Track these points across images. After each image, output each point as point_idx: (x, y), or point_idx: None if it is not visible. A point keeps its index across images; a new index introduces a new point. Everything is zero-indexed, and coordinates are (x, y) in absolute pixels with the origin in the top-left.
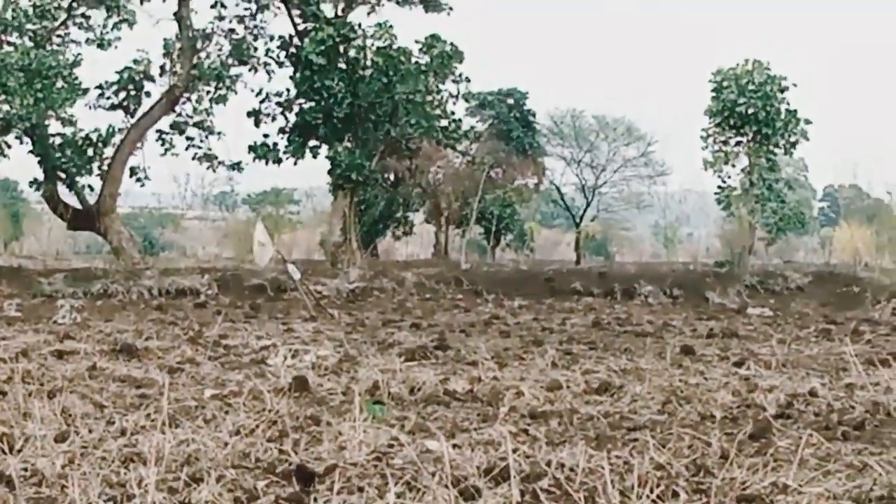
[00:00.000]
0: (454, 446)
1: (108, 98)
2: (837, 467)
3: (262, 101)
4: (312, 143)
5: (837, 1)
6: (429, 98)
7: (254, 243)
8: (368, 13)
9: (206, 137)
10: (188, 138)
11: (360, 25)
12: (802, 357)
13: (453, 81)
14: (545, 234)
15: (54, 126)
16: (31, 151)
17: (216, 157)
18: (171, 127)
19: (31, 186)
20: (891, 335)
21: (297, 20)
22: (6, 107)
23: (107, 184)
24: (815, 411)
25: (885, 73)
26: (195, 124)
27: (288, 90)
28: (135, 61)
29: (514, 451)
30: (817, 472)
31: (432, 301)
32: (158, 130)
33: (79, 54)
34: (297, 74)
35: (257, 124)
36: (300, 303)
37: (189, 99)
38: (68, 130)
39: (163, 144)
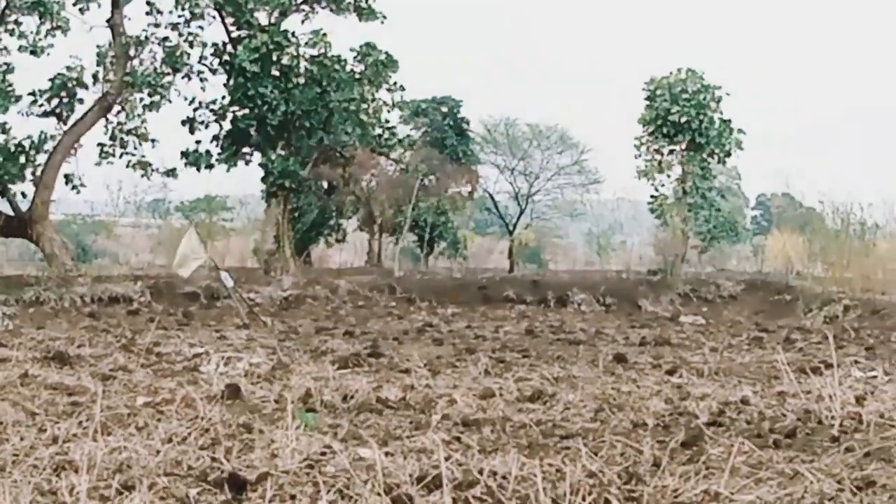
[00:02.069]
0: (387, 454)
1: (41, 105)
2: (769, 475)
3: (195, 109)
4: (246, 150)
5: (771, 11)
6: (363, 106)
7: (179, 252)
8: (302, 21)
9: (140, 144)
10: (122, 145)
11: (293, 33)
12: (734, 365)
13: (388, 89)
14: (479, 241)
15: None
16: None
17: (150, 165)
18: (110, 138)
19: None
20: (822, 343)
21: (231, 28)
22: None
23: (39, 191)
24: (747, 419)
25: (817, 83)
26: (129, 131)
27: (222, 97)
28: (68, 68)
29: (447, 458)
30: (749, 479)
31: (365, 309)
32: (100, 144)
33: (10, 63)
34: (231, 82)
35: (191, 131)
36: (233, 310)
37: (123, 106)
38: (0, 137)
39: (102, 155)
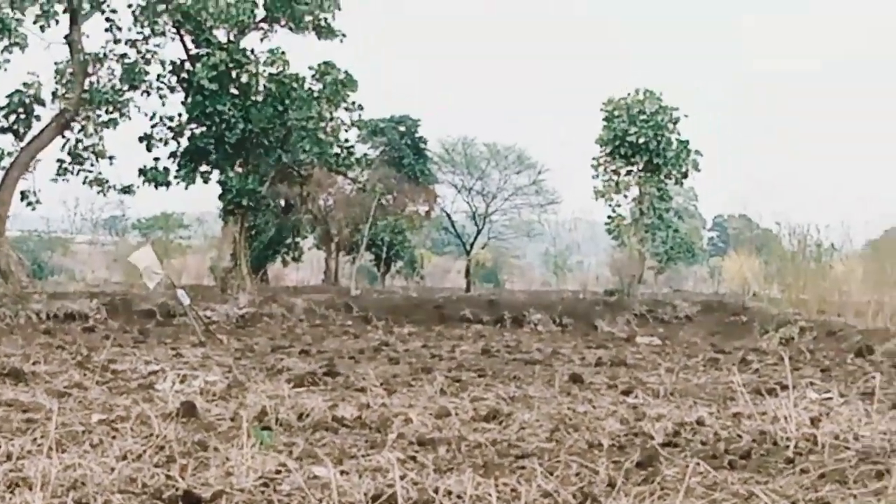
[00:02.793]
0: (342, 473)
1: None
2: (724, 496)
3: (153, 126)
4: (204, 167)
5: (727, 34)
6: (321, 125)
7: (139, 267)
8: (261, 39)
9: (97, 161)
10: (79, 162)
11: (252, 51)
12: (690, 386)
13: (346, 108)
14: (436, 261)
15: None
16: None
17: (107, 182)
18: (68, 154)
19: None
20: (778, 365)
21: (190, 45)
22: None
23: None
24: (703, 440)
25: (775, 105)
26: (86, 148)
27: (179, 115)
28: (25, 84)
29: (402, 477)
30: (704, 500)
31: (322, 327)
32: (59, 160)
33: None
34: (189, 99)
35: (149, 149)
36: (189, 328)
37: (80, 123)
38: None
39: (59, 172)
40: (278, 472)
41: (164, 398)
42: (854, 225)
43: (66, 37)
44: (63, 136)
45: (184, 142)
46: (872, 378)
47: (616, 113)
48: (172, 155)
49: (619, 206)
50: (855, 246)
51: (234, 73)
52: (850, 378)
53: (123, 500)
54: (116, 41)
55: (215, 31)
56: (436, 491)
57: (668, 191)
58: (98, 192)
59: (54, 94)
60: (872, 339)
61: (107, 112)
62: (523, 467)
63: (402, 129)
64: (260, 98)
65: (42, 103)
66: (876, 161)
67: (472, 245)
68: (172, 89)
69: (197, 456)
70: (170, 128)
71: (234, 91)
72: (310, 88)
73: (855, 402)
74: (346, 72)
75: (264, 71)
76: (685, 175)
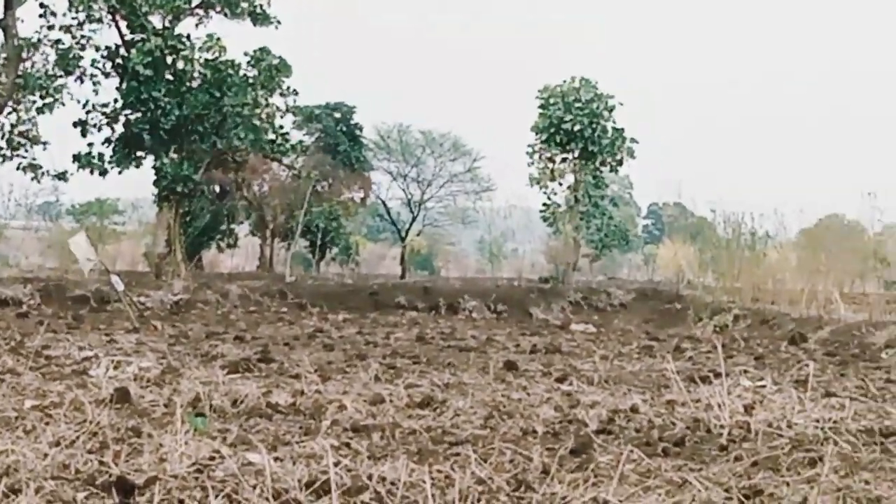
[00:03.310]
0: (276, 459)
1: None
2: (657, 483)
3: (88, 112)
4: (138, 153)
5: (660, 22)
6: (256, 111)
7: (74, 253)
8: (197, 25)
9: (31, 147)
10: (13, 148)
11: (188, 37)
12: (624, 373)
13: (281, 94)
14: (371, 247)
15: None
16: None
17: (41, 167)
18: (3, 140)
19: None
20: (712, 352)
21: (125, 31)
22: None
23: None
24: (637, 427)
25: (709, 93)
26: (20, 134)
27: (115, 101)
28: None
29: (336, 464)
30: (637, 487)
31: (256, 314)
32: None
33: None
34: (124, 85)
35: (84, 134)
36: (123, 314)
37: (14, 108)
38: None
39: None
40: (212, 458)
41: (98, 384)
42: (788, 213)
43: (0, 21)
44: None
45: (118, 128)
46: (806, 366)
47: (552, 100)
48: (107, 141)
49: (554, 193)
50: (789, 234)
51: (169, 59)
52: (783, 366)
53: (56, 487)
54: (51, 27)
55: (150, 17)
56: (370, 478)
57: (604, 178)
58: (32, 178)
59: None
60: (806, 327)
61: (41, 97)
62: (457, 454)
63: (337, 115)
64: (195, 84)
65: None
66: (810, 150)
67: (407, 232)
68: (107, 75)
69: (130, 442)
70: (104, 114)
71: (169, 77)
72: (245, 74)
73: (788, 389)
74: (280, 57)
75: (200, 57)
76: (620, 163)
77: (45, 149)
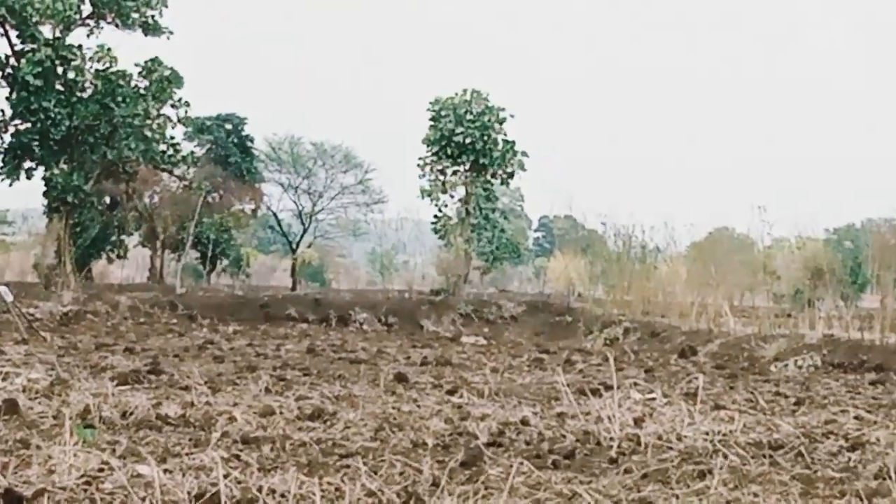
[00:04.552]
0: (165, 471)
1: None
2: (547, 495)
3: None
4: (28, 164)
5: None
6: (147, 122)
7: None
8: (88, 35)
9: None
10: None
11: (79, 47)
12: (515, 386)
13: (172, 105)
14: (262, 259)
15: None
16: None
17: None
18: None
19: None
20: (602, 365)
21: (15, 41)
22: None
23: None
24: (527, 440)
25: (600, 106)
26: None
27: (3, 111)
28: None
29: (226, 476)
30: (527, 500)
31: (146, 325)
32: None
33: None
34: (14, 95)
35: None
36: (12, 325)
37: None
38: None
39: None
40: (101, 470)
41: None
42: (678, 227)
43: None
44: None
45: (7, 138)
46: (695, 379)
47: (443, 113)
48: None
49: (445, 205)
50: (679, 248)
51: (59, 70)
52: (673, 379)
53: None
54: None
55: (41, 27)
56: (260, 490)
57: (495, 191)
58: None
59: None
60: (695, 340)
61: None
62: (348, 466)
63: (228, 126)
64: (86, 94)
65: None
66: (699, 163)
67: (298, 244)
68: None
69: (19, 454)
70: None
71: (59, 87)
72: (136, 85)
73: (678, 402)
74: (171, 69)
75: (91, 67)
76: (511, 175)
77: None
